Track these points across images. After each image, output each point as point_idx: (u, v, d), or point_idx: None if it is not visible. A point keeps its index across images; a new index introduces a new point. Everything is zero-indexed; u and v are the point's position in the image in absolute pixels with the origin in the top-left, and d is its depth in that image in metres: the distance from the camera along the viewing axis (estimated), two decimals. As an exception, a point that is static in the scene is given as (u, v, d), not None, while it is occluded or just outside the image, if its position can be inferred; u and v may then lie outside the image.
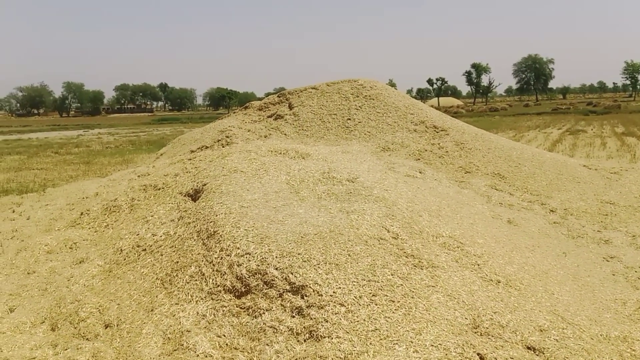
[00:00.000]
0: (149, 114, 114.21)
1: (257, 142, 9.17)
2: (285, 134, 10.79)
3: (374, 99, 11.40)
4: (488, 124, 30.06)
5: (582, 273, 5.31)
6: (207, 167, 6.97)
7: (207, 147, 10.60)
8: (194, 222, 5.27)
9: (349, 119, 10.81)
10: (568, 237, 6.62)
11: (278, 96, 12.78)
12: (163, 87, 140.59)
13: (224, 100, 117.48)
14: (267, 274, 4.01)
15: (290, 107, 11.89)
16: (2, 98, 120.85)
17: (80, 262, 5.63)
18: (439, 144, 9.78)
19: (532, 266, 5.05)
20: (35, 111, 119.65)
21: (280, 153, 7.46)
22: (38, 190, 11.55)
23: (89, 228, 6.74)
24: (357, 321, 3.55)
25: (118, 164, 16.96)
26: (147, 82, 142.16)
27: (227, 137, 10.72)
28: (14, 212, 8.87)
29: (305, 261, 4.07)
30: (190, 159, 8.31)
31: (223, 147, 9.92)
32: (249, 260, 4.18)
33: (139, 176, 8.40)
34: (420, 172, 7.98)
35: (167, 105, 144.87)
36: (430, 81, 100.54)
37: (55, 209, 8.49)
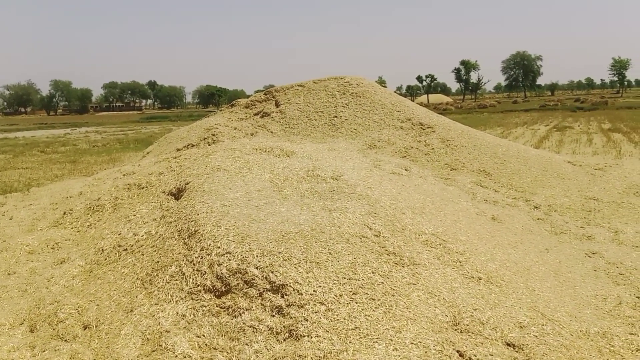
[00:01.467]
0: (138, 112, 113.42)
1: (243, 140, 9.12)
2: (271, 132, 10.74)
3: (360, 97, 11.39)
4: (477, 121, 30.18)
5: (564, 269, 5.34)
6: (190, 165, 6.92)
7: (193, 146, 10.54)
8: (175, 221, 5.23)
9: (336, 117, 10.79)
10: (551, 233, 6.65)
11: (265, 94, 12.72)
12: (152, 84, 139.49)
13: (213, 98, 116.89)
14: (247, 273, 3.99)
15: (277, 104, 11.84)
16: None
17: (61, 263, 5.57)
18: (425, 141, 9.79)
19: (514, 263, 5.06)
20: (23, 110, 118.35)
21: (265, 151, 7.42)
22: (22, 189, 11.42)
23: (72, 228, 6.67)
24: (337, 320, 3.53)
25: (104, 163, 16.81)
26: (136, 80, 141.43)
27: (213, 135, 10.67)
28: (-4, 212, 8.76)
29: (285, 260, 4.05)
30: (175, 158, 8.26)
31: (209, 145, 9.87)
32: (230, 260, 4.15)
33: (124, 175, 8.33)
34: (405, 170, 7.98)
35: (156, 103, 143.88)
36: (419, 78, 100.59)
37: (38, 208, 8.39)
